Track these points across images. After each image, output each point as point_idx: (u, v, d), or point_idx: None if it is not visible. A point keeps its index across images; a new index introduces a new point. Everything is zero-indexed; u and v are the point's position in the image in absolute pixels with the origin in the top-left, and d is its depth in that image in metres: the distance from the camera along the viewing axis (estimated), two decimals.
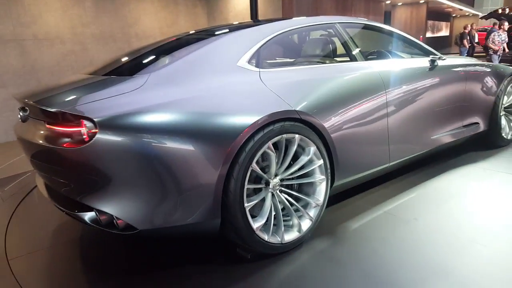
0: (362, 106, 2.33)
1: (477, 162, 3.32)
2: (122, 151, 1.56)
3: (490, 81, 3.42)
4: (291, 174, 2.04)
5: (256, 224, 1.86)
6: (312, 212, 2.11)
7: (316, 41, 2.71)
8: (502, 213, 2.39)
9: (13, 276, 1.97)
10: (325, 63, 2.56)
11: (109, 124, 1.55)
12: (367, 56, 2.80)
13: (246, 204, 1.80)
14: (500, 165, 3.23)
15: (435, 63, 2.92)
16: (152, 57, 2.22)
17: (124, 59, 2.36)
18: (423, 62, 2.90)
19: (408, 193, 2.72)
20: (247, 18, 8.06)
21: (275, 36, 2.21)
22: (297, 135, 1.97)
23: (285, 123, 1.91)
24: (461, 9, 22.06)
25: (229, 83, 1.88)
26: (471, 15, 24.90)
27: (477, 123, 3.36)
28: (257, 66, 2.04)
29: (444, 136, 3.04)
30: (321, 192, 2.13)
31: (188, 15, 8.53)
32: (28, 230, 2.60)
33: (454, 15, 25.38)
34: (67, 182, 1.75)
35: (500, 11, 8.88)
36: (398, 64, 2.79)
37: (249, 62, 2.02)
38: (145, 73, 1.82)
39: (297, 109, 1.96)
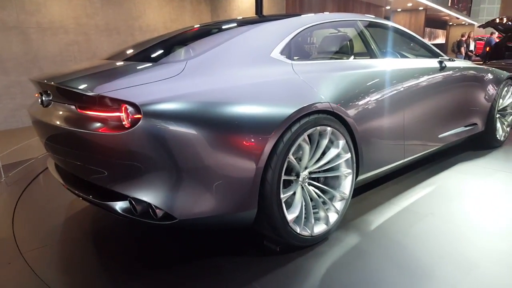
0: (384, 102, 2.37)
1: (475, 161, 3.48)
2: (164, 138, 1.53)
3: (490, 85, 3.57)
4: (320, 167, 2.04)
5: (290, 216, 1.85)
6: (338, 205, 2.12)
7: (341, 36, 2.72)
8: (508, 209, 2.49)
9: (31, 270, 1.91)
10: (352, 58, 2.58)
11: (153, 110, 1.52)
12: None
13: (282, 195, 1.79)
14: (498, 164, 3.40)
15: (443, 64, 3.02)
16: (181, 45, 2.20)
17: (145, 46, 2.34)
18: (434, 63, 2.99)
19: (419, 189, 2.81)
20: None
21: (304, 29, 2.21)
22: (329, 128, 1.97)
23: (319, 115, 1.92)
24: (458, 18, 22.43)
25: (265, 74, 1.87)
26: (467, 24, 25.35)
27: (476, 124, 3.50)
28: (289, 58, 2.04)
29: (450, 135, 3.16)
30: (346, 185, 2.14)
31: (192, 11, 8.49)
32: (36, 220, 2.54)
33: (450, 23, 25.78)
34: (99, 169, 1.71)
35: (498, 20, 9.03)
36: (414, 63, 2.87)
37: (282, 53, 2.02)
38: (181, 60, 1.80)
39: (330, 102, 1.97)
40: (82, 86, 1.66)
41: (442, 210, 2.45)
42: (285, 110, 1.78)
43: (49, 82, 1.84)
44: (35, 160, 3.86)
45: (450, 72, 3.08)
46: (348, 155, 2.10)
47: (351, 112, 2.10)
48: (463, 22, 24.96)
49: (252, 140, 1.69)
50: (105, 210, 1.79)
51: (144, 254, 2.05)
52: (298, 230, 1.90)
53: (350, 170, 2.13)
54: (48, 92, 1.89)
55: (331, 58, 2.54)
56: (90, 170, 1.75)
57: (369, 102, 2.25)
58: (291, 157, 1.81)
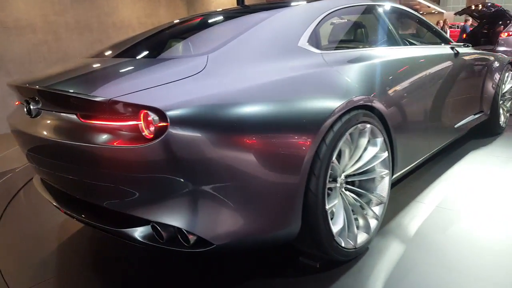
0: (414, 93, 2.20)
1: (484, 150, 3.36)
2: (196, 150, 1.24)
3: (494, 70, 3.48)
4: (357, 169, 1.82)
5: (336, 229, 1.62)
6: (377, 210, 1.90)
7: (364, 23, 2.50)
8: None
9: None
10: (380, 46, 2.36)
11: (182, 116, 1.23)
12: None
13: (327, 206, 1.55)
14: (509, 152, 3.28)
15: (455, 50, 2.87)
16: (189, 37, 1.91)
17: (142, 40, 2.04)
18: (448, 49, 2.84)
19: (441, 184, 2.65)
20: None
21: (329, 14, 1.97)
22: (368, 125, 1.75)
23: (358, 111, 1.69)
24: (428, 6, 22.91)
25: (296, 67, 1.62)
26: (437, 12, 25.99)
27: (483, 111, 3.40)
28: (316, 47, 1.79)
29: (464, 124, 3.04)
30: (384, 187, 1.93)
31: (167, 5, 8.07)
32: (25, 248, 2.17)
33: (421, 12, 26.38)
34: (111, 191, 1.40)
35: (473, 7, 9.15)
36: (433, 51, 2.71)
37: (309, 42, 1.76)
38: (201, 54, 1.51)
39: (368, 95, 1.75)
40: (85, 90, 1.34)
41: (473, 206, 2.31)
42: (326, 107, 1.54)
43: (39, 87, 1.51)
44: (13, 173, 3.44)
45: (463, 59, 2.95)
46: (386, 154, 1.88)
47: (387, 106, 1.89)
48: (433, 11, 25.58)
49: (294, 145, 1.43)
50: (119, 238, 1.49)
51: (161, 281, 1.76)
52: (343, 243, 1.66)
53: (387, 171, 1.92)
54: (37, 99, 1.55)
55: (358, 47, 2.32)
56: (99, 192, 1.44)
57: (401, 94, 2.06)
58: (335, 161, 1.57)
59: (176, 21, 2.27)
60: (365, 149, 1.80)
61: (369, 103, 1.74)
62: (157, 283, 1.74)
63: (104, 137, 1.31)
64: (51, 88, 1.46)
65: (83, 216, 1.58)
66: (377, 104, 1.80)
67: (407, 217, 2.19)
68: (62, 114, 1.47)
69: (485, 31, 9.21)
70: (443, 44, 2.91)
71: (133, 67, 1.61)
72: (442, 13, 24.59)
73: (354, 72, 1.78)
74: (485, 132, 3.71)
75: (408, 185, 2.64)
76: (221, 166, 1.29)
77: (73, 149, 1.38)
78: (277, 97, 1.45)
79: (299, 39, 1.73)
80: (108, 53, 2.01)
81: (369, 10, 2.35)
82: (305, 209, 1.50)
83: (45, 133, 1.50)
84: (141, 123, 1.24)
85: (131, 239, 1.42)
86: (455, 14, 10.60)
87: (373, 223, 1.87)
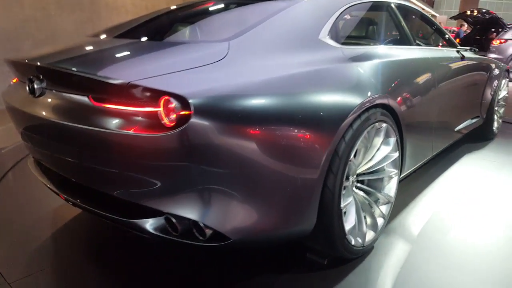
0: (424, 94, 2.19)
1: (478, 154, 3.42)
2: (217, 142, 1.18)
3: (494, 76, 3.53)
4: (369, 168, 1.80)
5: (347, 227, 1.60)
6: (384, 209, 1.90)
7: (383, 19, 2.48)
8: None
9: None
10: (396, 45, 2.33)
11: (206, 105, 1.17)
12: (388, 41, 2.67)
13: (342, 204, 1.53)
14: (502, 157, 3.37)
15: (461, 54, 2.90)
16: (206, 21, 1.83)
17: (156, 22, 1.95)
18: (455, 52, 2.86)
19: (440, 186, 2.68)
20: None
21: (348, 8, 1.92)
22: (384, 124, 1.73)
23: (376, 110, 1.66)
24: (423, 9, 23.17)
25: (318, 61, 1.57)
26: (430, 15, 26.33)
27: (479, 116, 3.44)
28: (336, 41, 1.75)
29: (462, 128, 3.06)
30: (392, 187, 1.93)
31: None
32: (19, 236, 2.07)
33: None
34: (125, 180, 1.32)
35: (468, 12, 9.28)
36: (442, 53, 2.72)
37: (329, 36, 1.72)
38: (222, 40, 1.45)
39: (387, 94, 1.72)
40: (100, 72, 1.26)
41: (473, 207, 2.35)
42: (347, 104, 1.50)
43: (48, 64, 1.42)
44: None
45: (468, 64, 2.98)
46: (396, 154, 1.87)
47: (401, 105, 1.88)
48: (427, 14, 25.98)
49: (314, 141, 1.40)
50: (127, 229, 1.42)
51: (161, 270, 1.71)
52: (353, 241, 1.65)
53: (396, 170, 1.91)
54: (41, 77, 1.46)
55: (375, 43, 2.29)
56: (109, 180, 1.37)
57: (413, 94, 2.05)
58: (352, 159, 1.54)
59: (187, 4, 2.18)
60: (379, 148, 1.79)
61: (386, 102, 1.72)
62: (157, 272, 1.69)
63: (119, 122, 1.23)
64: (63, 67, 1.38)
65: (86, 204, 1.50)
66: (393, 103, 1.78)
67: (408, 217, 2.20)
68: (71, 95, 1.38)
69: (478, 37, 9.38)
70: (450, 47, 2.92)
71: (148, 50, 1.53)
72: (435, 16, 24.93)
73: (373, 69, 1.75)
74: (478, 137, 3.76)
75: (408, 185, 2.65)
76: (243, 160, 1.25)
77: (81, 133, 1.31)
78: (300, 91, 1.41)
79: (319, 31, 1.69)
80: (114, 33, 1.91)
81: (386, 7, 2.32)
82: (321, 206, 1.47)
83: (50, 114, 1.41)
84: (160, 110, 1.17)
85: (141, 231, 1.35)
86: (450, 18, 10.74)
87: (380, 221, 1.86)
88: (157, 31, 1.86)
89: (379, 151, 1.80)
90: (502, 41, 9.36)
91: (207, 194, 1.24)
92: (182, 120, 1.15)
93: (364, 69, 1.70)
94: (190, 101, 1.14)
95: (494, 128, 3.82)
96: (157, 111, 1.17)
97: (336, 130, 1.44)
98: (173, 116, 1.16)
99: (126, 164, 1.27)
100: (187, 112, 1.14)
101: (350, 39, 2.25)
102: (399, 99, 1.86)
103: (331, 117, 1.44)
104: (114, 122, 1.24)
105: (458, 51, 2.91)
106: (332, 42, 1.71)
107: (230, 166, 1.23)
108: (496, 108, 3.79)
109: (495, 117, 3.84)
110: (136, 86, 1.17)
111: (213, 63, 1.31)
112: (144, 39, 1.72)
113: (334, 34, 1.76)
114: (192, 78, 1.24)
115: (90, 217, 2.15)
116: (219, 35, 1.59)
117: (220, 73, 1.29)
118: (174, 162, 1.19)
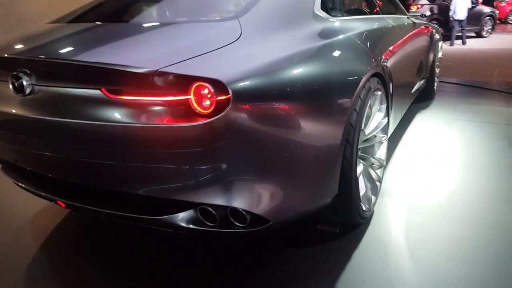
0: (399, 60, 2.35)
1: (428, 112, 3.71)
2: (255, 125, 1.15)
3: (435, 39, 3.84)
4: (367, 135, 1.88)
5: (361, 193, 1.67)
6: (379, 173, 2.01)
7: None
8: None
9: None
10: (376, 14, 2.43)
11: (242, 89, 1.11)
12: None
13: (358, 172, 1.59)
14: (448, 113, 3.70)
15: (412, 21, 3.11)
16: None
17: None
18: (407, 19, 3.04)
19: (402, 146, 2.84)
20: None
21: None
22: (379, 92, 1.81)
23: (374, 78, 1.73)
24: None
25: (320, 34, 1.57)
26: None
27: (424, 78, 3.73)
28: (328, 14, 1.76)
29: (415, 90, 3.28)
30: (382, 152, 2.05)
31: None
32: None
33: None
34: (156, 176, 1.21)
35: None
36: (402, 20, 2.88)
37: (322, 8, 1.73)
38: (230, 18, 1.38)
39: (381, 63, 1.80)
40: (119, 61, 1.14)
41: (437, 158, 2.59)
42: (355, 75, 1.55)
43: (48, 58, 1.26)
44: None
45: (419, 30, 3.19)
46: (386, 120, 1.98)
47: (389, 72, 1.99)
48: None
49: (335, 113, 1.43)
50: (154, 227, 1.34)
51: (169, 260, 1.65)
52: (364, 207, 1.73)
53: (385, 135, 2.03)
54: (28, 72, 1.27)
55: (359, 14, 2.34)
56: (138, 179, 1.24)
57: (394, 60, 2.17)
58: (363, 128, 1.60)
59: None
60: (374, 116, 1.87)
61: (379, 71, 1.79)
62: (163, 263, 1.63)
63: (144, 115, 1.13)
64: (68, 59, 1.22)
65: (100, 208, 1.37)
66: (385, 72, 1.87)
67: (390, 177, 2.35)
68: (76, 89, 1.22)
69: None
70: (401, 15, 3.09)
71: (153, 34, 1.41)
72: None
73: (366, 38, 1.81)
74: (423, 97, 4.06)
75: None
76: (278, 140, 1.23)
77: (98, 130, 1.17)
78: (314, 66, 1.40)
79: (313, 5, 1.68)
80: (93, 18, 1.71)
81: None
82: (341, 177, 1.52)
83: (50, 114, 1.25)
84: (191, 97, 1.09)
85: (172, 227, 1.28)
86: None
87: (378, 185, 1.98)
88: (146, 11, 1.69)
89: (375, 119, 1.89)
90: (419, 6, 10.09)
91: (247, 179, 1.21)
92: (220, 106, 1.09)
93: (360, 39, 1.75)
94: (227, 85, 1.08)
95: (435, 87, 4.19)
96: (188, 98, 1.09)
97: (350, 101, 1.48)
98: (208, 102, 1.09)
99: (156, 159, 1.17)
100: (225, 97, 1.08)
101: (335, 12, 2.29)
102: (387, 66, 1.95)
103: (346, 88, 1.49)
104: (138, 114, 1.13)
105: (408, 18, 3.09)
106: (325, 15, 1.71)
107: (268, 148, 1.21)
108: (436, 70, 4.16)
109: (435, 77, 4.22)
110: (165, 73, 1.08)
111: (231, 43, 1.25)
112: (136, 21, 1.56)
113: (324, 7, 1.77)
114: (219, 61, 1.17)
115: (74, 217, 1.97)
116: (221, 12, 1.51)
117: (242, 52, 1.23)
118: (213, 151, 1.13)
